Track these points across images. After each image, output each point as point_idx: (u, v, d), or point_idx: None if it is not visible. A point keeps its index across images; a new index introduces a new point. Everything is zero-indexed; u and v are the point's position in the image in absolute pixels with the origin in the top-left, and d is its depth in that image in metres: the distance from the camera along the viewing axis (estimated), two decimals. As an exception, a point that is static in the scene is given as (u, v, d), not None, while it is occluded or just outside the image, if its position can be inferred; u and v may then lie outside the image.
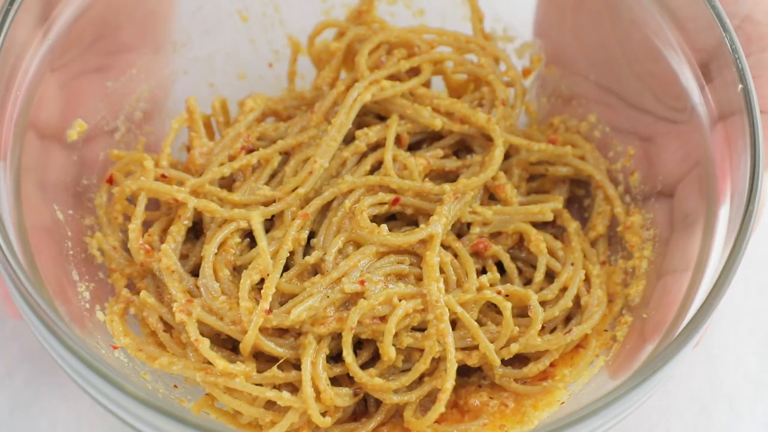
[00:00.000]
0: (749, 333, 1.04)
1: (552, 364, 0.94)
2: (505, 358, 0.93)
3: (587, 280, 0.97)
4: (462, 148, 1.04)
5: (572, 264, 0.97)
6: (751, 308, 1.06)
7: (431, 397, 0.92)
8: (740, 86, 0.88)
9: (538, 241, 0.98)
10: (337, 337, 0.92)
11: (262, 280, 0.93)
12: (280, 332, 0.93)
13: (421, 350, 0.92)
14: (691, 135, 0.93)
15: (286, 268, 0.95)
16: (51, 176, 0.94)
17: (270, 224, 0.98)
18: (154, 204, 0.98)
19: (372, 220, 0.96)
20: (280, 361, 0.91)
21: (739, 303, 1.05)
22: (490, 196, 1.01)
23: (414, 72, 1.04)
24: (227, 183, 1.00)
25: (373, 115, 1.04)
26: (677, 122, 0.95)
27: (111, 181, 0.99)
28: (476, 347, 0.93)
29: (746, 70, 0.88)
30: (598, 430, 0.79)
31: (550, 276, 0.98)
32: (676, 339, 0.80)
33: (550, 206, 0.99)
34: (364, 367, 0.92)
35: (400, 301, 0.92)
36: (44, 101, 0.93)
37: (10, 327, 1.02)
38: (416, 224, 0.99)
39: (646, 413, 0.98)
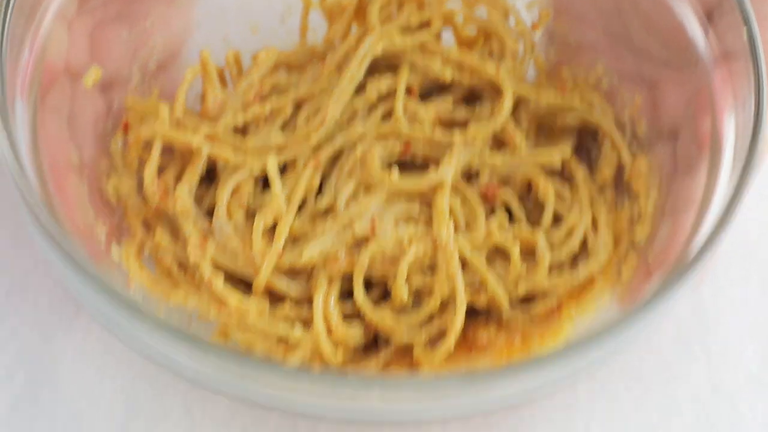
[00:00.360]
0: (750, 332, 1.03)
1: (559, 305, 0.95)
2: (513, 299, 0.95)
3: (594, 223, 0.98)
4: (471, 99, 1.05)
5: (579, 208, 0.98)
6: (752, 307, 1.04)
7: (440, 336, 0.94)
8: (745, 29, 0.89)
9: (547, 188, 0.99)
10: (347, 279, 0.94)
11: (275, 225, 0.95)
12: (292, 274, 0.94)
13: (431, 292, 0.94)
14: (695, 80, 0.94)
15: (298, 212, 0.96)
16: (67, 119, 0.95)
17: (282, 172, 0.99)
18: (168, 150, 0.99)
19: (382, 168, 0.98)
20: (292, 300, 0.93)
21: (740, 302, 1.04)
22: (499, 146, 1.03)
23: (424, 27, 1.05)
24: (240, 132, 1.01)
25: (383, 68, 1.05)
26: (682, 68, 0.96)
27: (126, 127, 1.00)
28: (485, 289, 0.94)
29: (751, 15, 0.89)
30: (602, 358, 0.81)
31: (558, 222, 0.99)
32: (682, 269, 0.81)
33: (559, 150, 1.00)
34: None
35: (410, 243, 0.93)
36: (64, 45, 0.94)
37: (10, 327, 1.01)
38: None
39: (647, 413, 0.98)
